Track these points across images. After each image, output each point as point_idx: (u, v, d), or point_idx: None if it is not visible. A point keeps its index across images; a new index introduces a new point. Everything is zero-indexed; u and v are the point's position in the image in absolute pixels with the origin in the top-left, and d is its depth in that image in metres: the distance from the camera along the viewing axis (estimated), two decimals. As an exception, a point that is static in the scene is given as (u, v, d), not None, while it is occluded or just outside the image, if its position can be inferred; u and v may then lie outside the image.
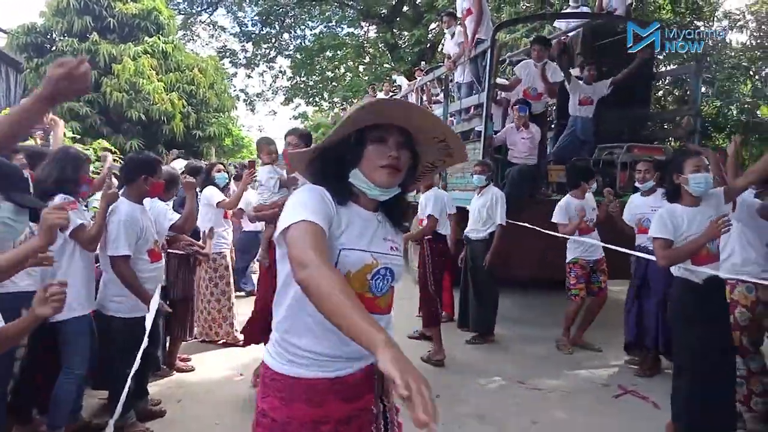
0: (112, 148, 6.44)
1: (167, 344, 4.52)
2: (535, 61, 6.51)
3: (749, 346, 3.55)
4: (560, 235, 5.02)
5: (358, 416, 1.46)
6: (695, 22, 13.34)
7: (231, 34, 26.02)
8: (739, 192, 3.29)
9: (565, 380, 4.54)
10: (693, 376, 3.11)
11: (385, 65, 22.21)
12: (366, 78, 21.51)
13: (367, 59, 24.30)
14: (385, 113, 1.39)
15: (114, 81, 13.28)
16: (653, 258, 3.42)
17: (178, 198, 4.52)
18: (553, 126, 8.28)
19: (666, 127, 9.79)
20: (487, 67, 6.40)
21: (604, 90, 7.07)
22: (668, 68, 11.98)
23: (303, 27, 25.02)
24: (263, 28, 24.57)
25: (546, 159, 6.96)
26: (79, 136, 9.06)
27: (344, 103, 24.64)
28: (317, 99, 26.13)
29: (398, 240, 1.55)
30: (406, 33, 20.84)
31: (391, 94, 12.03)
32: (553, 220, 5.06)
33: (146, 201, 3.49)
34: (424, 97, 9.21)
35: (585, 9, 7.96)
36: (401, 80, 13.01)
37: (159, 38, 14.49)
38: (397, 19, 20.98)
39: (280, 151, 4.16)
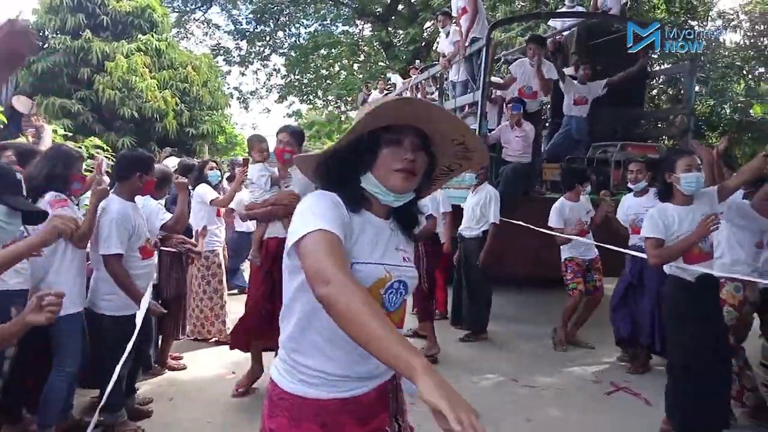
0: (104, 145, 6.40)
1: (159, 342, 4.50)
2: (531, 59, 6.51)
3: (735, 344, 3.57)
4: (555, 234, 5.03)
5: None
6: (689, 21, 13.40)
7: (225, 32, 25.94)
8: (732, 191, 3.30)
9: (558, 377, 4.54)
10: (685, 374, 3.12)
11: (379, 63, 22.20)
12: (361, 76, 21.52)
13: (362, 57, 24.29)
14: (401, 114, 1.29)
15: (107, 78, 13.20)
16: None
17: (170, 196, 4.49)
18: (547, 124, 8.29)
19: (660, 125, 9.84)
20: (482, 66, 6.39)
21: (598, 90, 7.08)
22: (662, 67, 12.01)
23: (297, 25, 24.97)
24: (257, 26, 24.50)
25: (540, 157, 6.97)
26: (71, 134, 9.01)
27: (338, 101, 24.67)
28: (311, 97, 26.11)
29: (410, 249, 1.46)
30: (401, 31, 20.84)
31: (385, 92, 12.03)
32: (549, 224, 5.07)
33: (138, 199, 3.47)
34: (419, 96, 9.18)
35: (580, 8, 7.98)
36: (396, 78, 13.00)
37: (152, 36, 14.41)
38: (392, 17, 20.96)
39: (271, 149, 4.12)
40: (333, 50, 23.49)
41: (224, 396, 3.92)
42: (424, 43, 19.15)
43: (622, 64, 7.18)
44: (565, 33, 7.95)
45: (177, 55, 15.22)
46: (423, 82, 9.33)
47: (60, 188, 3.05)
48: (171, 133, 14.09)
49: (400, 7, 20.67)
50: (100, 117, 13.56)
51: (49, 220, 2.00)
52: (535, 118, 6.80)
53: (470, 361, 4.92)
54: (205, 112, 15.62)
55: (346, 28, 24.36)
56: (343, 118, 26.44)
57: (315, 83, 25.16)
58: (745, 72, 14.02)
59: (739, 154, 11.48)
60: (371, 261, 1.31)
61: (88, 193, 3.77)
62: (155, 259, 3.70)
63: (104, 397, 2.11)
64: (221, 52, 25.29)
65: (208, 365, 4.65)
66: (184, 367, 4.57)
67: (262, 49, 25.36)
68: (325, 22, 24.10)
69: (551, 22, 8.72)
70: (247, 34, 24.69)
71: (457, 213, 5.59)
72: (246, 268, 6.93)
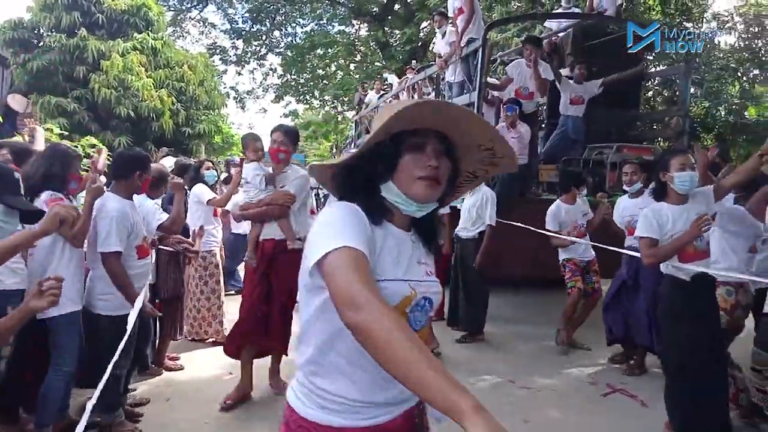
0: (100, 144, 6.37)
1: (156, 343, 4.49)
2: (527, 60, 6.52)
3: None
4: (552, 235, 5.06)
5: None
6: (684, 23, 13.46)
7: (221, 31, 25.93)
8: (729, 190, 3.32)
9: (555, 379, 4.55)
10: (681, 373, 3.13)
11: (376, 63, 22.21)
12: (357, 76, 21.52)
13: (359, 57, 24.29)
14: (425, 117, 1.21)
15: (102, 77, 13.16)
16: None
17: (166, 195, 4.48)
18: (543, 125, 8.32)
19: (655, 127, 9.88)
20: (479, 66, 6.41)
21: (594, 89, 7.11)
22: (658, 69, 12.07)
23: (294, 24, 24.99)
24: (254, 26, 24.49)
25: (537, 158, 6.99)
26: (66, 133, 8.97)
27: (335, 101, 24.67)
28: (308, 97, 26.11)
29: (431, 262, 1.37)
30: (397, 31, 20.85)
31: (382, 92, 12.04)
32: (547, 226, 5.10)
33: (135, 198, 3.46)
34: (415, 96, 9.19)
35: (576, 9, 8.00)
36: (392, 79, 13.00)
37: (148, 34, 14.38)
38: (389, 17, 20.97)
39: (266, 149, 4.08)
40: (329, 50, 23.48)
41: (221, 396, 3.91)
42: (420, 44, 19.17)
43: (617, 65, 7.21)
44: (560, 34, 7.97)
45: (173, 54, 15.20)
46: (419, 82, 9.34)
47: (57, 187, 3.05)
48: (167, 133, 14.06)
49: (396, 6, 20.69)
50: (95, 116, 13.52)
51: (51, 208, 2.01)
52: (532, 119, 6.82)
53: (467, 362, 4.93)
54: (201, 111, 15.60)
55: (342, 27, 24.39)
56: (339, 119, 26.44)
57: (311, 83, 25.16)
58: (739, 74, 14.10)
59: (734, 156, 11.53)
60: (396, 277, 1.22)
61: (84, 192, 3.78)
62: (151, 258, 3.69)
63: (96, 395, 2.10)
64: (217, 51, 25.28)
65: (206, 366, 4.64)
66: (181, 368, 4.56)
67: (258, 48, 25.34)
68: (321, 22, 24.10)
69: (547, 23, 8.73)
70: (244, 33, 24.67)
71: (455, 214, 5.60)
72: (242, 269, 6.92)
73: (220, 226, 5.46)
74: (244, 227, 6.22)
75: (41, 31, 14.08)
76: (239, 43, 25.16)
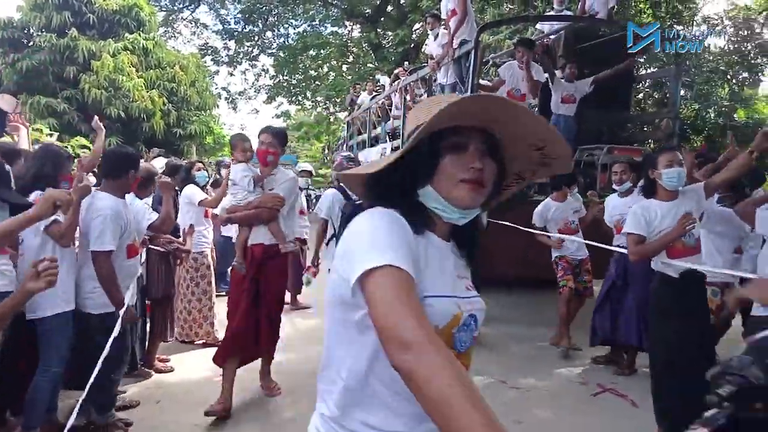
0: (90, 145, 6.33)
1: (146, 344, 4.46)
2: (519, 62, 6.54)
3: None
4: (539, 234, 5.09)
5: None
6: (675, 26, 13.56)
7: (213, 32, 25.86)
8: (719, 186, 3.34)
9: (547, 379, 4.56)
10: (670, 370, 3.13)
11: (368, 65, 22.22)
12: (349, 77, 21.52)
13: (351, 58, 24.30)
14: (470, 113, 1.07)
15: (93, 78, 13.11)
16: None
17: (156, 195, 4.46)
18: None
19: (646, 129, 9.92)
20: (471, 68, 6.41)
21: (585, 88, 7.13)
22: (649, 71, 12.15)
23: (286, 25, 24.97)
24: (246, 26, 24.43)
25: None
26: (56, 133, 8.90)
27: (327, 102, 24.66)
28: (300, 98, 26.09)
29: (469, 275, 1.23)
30: (390, 33, 20.88)
31: (374, 93, 12.02)
32: (533, 222, 5.13)
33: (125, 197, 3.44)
34: (408, 98, 9.20)
35: (568, 12, 8.03)
36: (385, 80, 13.00)
37: (140, 35, 14.33)
38: (381, 18, 21.00)
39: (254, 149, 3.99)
40: (322, 51, 23.47)
41: (212, 399, 3.88)
42: (413, 45, 19.20)
43: (608, 68, 7.23)
44: (552, 36, 8.00)
45: (164, 55, 15.15)
46: (412, 84, 9.34)
47: (47, 188, 3.02)
48: (158, 133, 14.02)
49: (389, 8, 20.72)
50: (86, 116, 13.43)
51: (46, 192, 1.99)
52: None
53: (459, 362, 4.92)
54: (192, 112, 15.56)
55: (335, 29, 24.40)
56: (331, 120, 26.44)
57: (304, 84, 25.14)
58: (729, 77, 14.23)
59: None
60: (443, 294, 1.09)
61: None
62: (140, 258, 3.67)
63: (84, 394, 2.09)
64: (209, 51, 25.22)
65: (196, 367, 4.61)
66: (171, 370, 4.53)
67: (250, 49, 25.29)
68: (314, 23, 24.11)
69: (538, 25, 8.76)
70: (236, 33, 24.61)
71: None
72: (233, 270, 6.89)
73: (211, 227, 5.44)
74: (233, 230, 6.17)
75: (31, 30, 14.00)
76: (231, 43, 25.13)
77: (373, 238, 1.01)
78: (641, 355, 4.57)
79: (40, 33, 13.60)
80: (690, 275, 3.10)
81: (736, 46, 14.21)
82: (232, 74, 26.64)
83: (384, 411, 1.06)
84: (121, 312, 2.95)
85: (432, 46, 7.98)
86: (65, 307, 3.01)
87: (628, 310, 4.52)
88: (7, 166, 2.18)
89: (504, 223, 5.43)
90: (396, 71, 11.35)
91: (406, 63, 13.82)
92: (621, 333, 4.62)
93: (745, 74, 14.89)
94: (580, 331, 5.33)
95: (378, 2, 20.90)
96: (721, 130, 12.55)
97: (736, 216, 3.68)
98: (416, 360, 0.85)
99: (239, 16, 24.00)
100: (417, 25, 18.89)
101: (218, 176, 6.70)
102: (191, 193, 5.09)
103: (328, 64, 24.91)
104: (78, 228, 3.14)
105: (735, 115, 13.50)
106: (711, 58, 13.88)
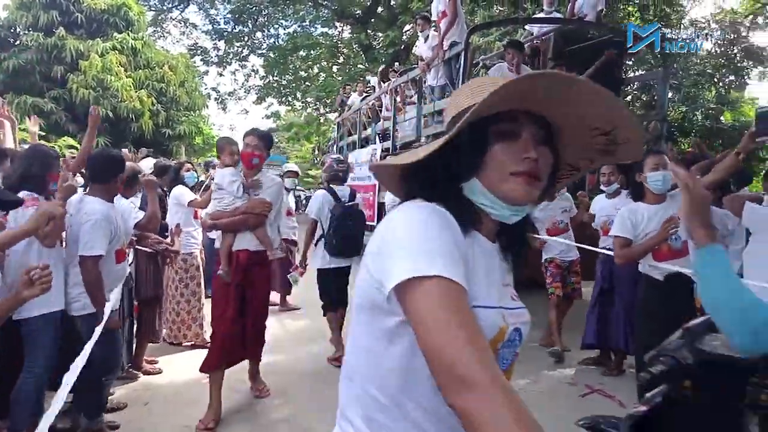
0: (78, 145, 6.28)
1: (134, 346, 4.43)
2: (509, 64, 6.57)
3: None
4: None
5: None
6: (662, 29, 13.69)
7: (203, 32, 25.78)
8: (707, 188, 3.36)
9: (536, 380, 4.58)
10: (658, 374, 3.16)
11: (359, 66, 22.23)
12: (340, 78, 21.51)
13: (341, 59, 24.31)
14: (525, 94, 0.92)
15: (81, 77, 13.01)
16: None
17: (144, 195, 4.43)
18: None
19: (634, 131, 9.99)
20: (461, 70, 6.44)
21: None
22: (636, 74, 12.25)
23: (276, 26, 24.94)
24: (236, 26, 24.37)
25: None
26: (43, 133, 8.82)
27: (317, 103, 24.65)
28: (290, 98, 26.07)
29: (512, 282, 1.09)
30: (380, 34, 20.90)
31: (364, 94, 12.03)
32: None
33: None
34: (398, 99, 9.22)
35: (557, 14, 8.07)
36: (374, 81, 13.01)
37: (128, 34, 14.25)
38: (372, 20, 21.02)
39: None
40: (312, 52, 23.47)
41: (200, 400, 3.86)
42: (403, 46, 19.23)
43: (597, 70, 7.28)
44: (541, 38, 8.05)
45: (153, 55, 15.08)
46: (402, 85, 9.36)
47: (34, 188, 2.99)
48: (147, 134, 13.94)
49: (379, 9, 20.74)
50: (73, 116, 13.34)
51: (40, 206, 1.99)
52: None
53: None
54: (181, 112, 15.49)
55: (325, 29, 24.41)
56: (322, 120, 26.41)
57: (294, 85, 25.12)
58: (716, 79, 14.39)
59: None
60: (491, 304, 0.95)
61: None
62: (127, 261, 3.64)
63: (64, 394, 2.07)
64: (199, 51, 25.14)
65: (185, 369, 4.58)
66: (159, 371, 4.50)
67: (240, 49, 25.23)
68: (304, 24, 24.10)
69: (528, 27, 8.81)
70: (225, 34, 24.54)
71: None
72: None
73: (200, 228, 5.40)
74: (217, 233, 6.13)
75: (18, 29, 13.87)
76: (221, 43, 25.07)
77: (419, 238, 0.85)
78: (629, 356, 4.61)
79: (26, 32, 13.47)
80: (676, 278, 3.13)
81: (722, 49, 14.37)
82: (221, 74, 26.61)
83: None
84: (105, 316, 2.91)
85: (422, 48, 8.01)
86: (51, 307, 2.97)
87: (616, 314, 4.55)
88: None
89: None
90: (379, 69, 11.35)
91: (397, 64, 13.85)
92: (610, 337, 4.63)
93: (732, 77, 15.05)
94: (569, 332, 5.36)
95: (368, 3, 20.92)
96: (708, 133, 12.68)
97: (717, 212, 3.72)
98: (480, 402, 0.73)
99: (229, 16, 23.95)
100: (407, 27, 18.93)
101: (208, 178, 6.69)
102: (180, 193, 5.06)
103: (318, 65, 24.92)
104: (65, 231, 3.11)
105: (722, 118, 13.64)
106: (698, 61, 14.02)
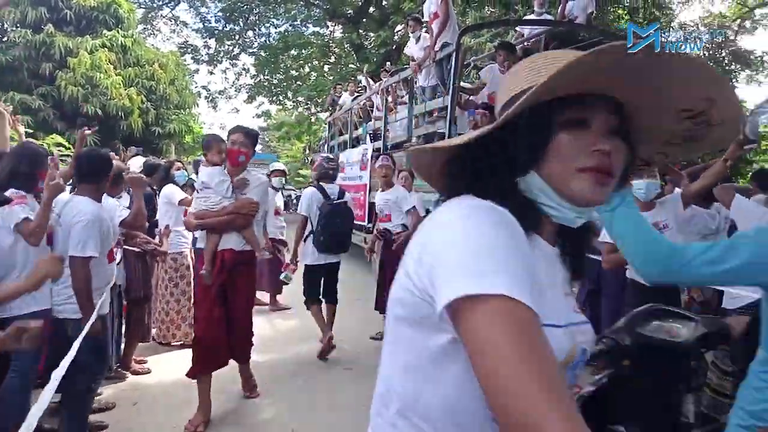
0: (66, 143, 6.24)
1: (122, 346, 4.40)
2: (500, 66, 6.60)
3: None
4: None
5: None
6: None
7: (193, 30, 25.80)
8: (695, 195, 3.41)
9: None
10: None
11: (350, 65, 22.22)
12: (331, 78, 21.50)
13: (333, 59, 24.30)
14: (600, 73, 0.75)
15: (69, 75, 12.91)
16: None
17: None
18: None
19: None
20: (452, 71, 6.45)
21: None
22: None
23: (268, 25, 24.88)
24: (227, 25, 24.28)
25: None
26: (31, 131, 8.74)
27: (308, 102, 24.61)
28: (281, 98, 26.02)
29: (573, 291, 0.94)
30: (371, 34, 20.91)
31: (356, 94, 12.02)
32: None
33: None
34: (389, 99, 9.23)
35: (548, 16, 8.12)
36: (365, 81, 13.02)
37: (118, 32, 14.15)
38: (363, 19, 21.02)
39: None
40: (303, 51, 23.44)
41: (189, 400, 3.85)
42: (394, 46, 19.25)
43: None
44: (532, 40, 8.09)
45: (143, 52, 14.99)
46: (393, 85, 9.37)
47: (22, 186, 2.97)
48: (136, 132, 13.85)
49: (371, 9, 20.75)
50: (62, 114, 13.24)
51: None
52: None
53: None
54: (171, 110, 15.41)
55: (316, 29, 24.41)
56: (313, 120, 26.38)
57: (285, 84, 25.08)
58: (704, 82, 14.52)
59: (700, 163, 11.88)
60: (560, 322, 0.81)
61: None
62: (116, 262, 3.62)
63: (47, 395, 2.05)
64: (189, 50, 25.02)
65: (173, 369, 4.56)
66: (148, 371, 4.48)
67: (231, 48, 25.14)
68: (295, 23, 24.06)
69: (519, 29, 8.85)
70: (216, 32, 24.44)
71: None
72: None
73: (190, 227, 5.39)
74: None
75: (5, 26, 13.73)
76: (212, 42, 24.96)
77: (479, 246, 0.69)
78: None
79: (14, 29, 13.34)
80: (662, 284, 3.16)
81: (710, 52, 14.52)
82: (212, 73, 26.61)
83: None
84: (90, 321, 2.88)
85: (413, 49, 8.02)
86: (38, 306, 2.94)
87: (605, 320, 4.58)
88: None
89: None
90: (364, 69, 11.31)
91: (388, 64, 13.86)
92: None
93: (720, 80, 15.21)
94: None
95: (360, 3, 20.92)
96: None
97: (702, 213, 3.77)
98: None
99: (220, 14, 23.86)
100: (399, 27, 18.96)
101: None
102: (170, 192, 5.03)
103: (309, 64, 24.89)
104: (53, 231, 3.08)
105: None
106: (687, 64, 14.18)
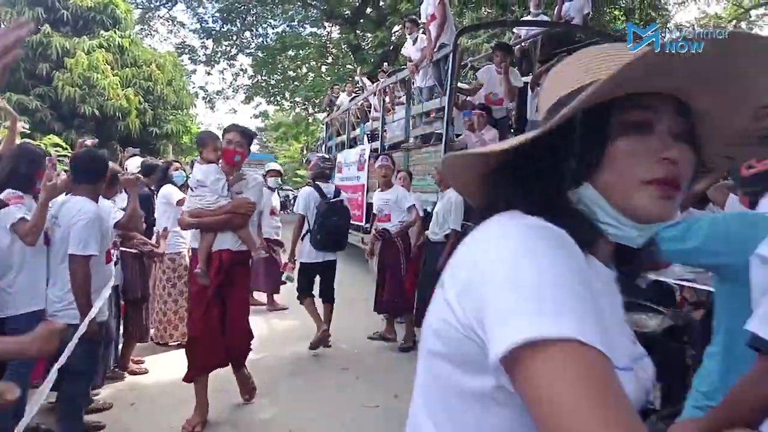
0: (63, 143, 6.24)
1: (120, 346, 4.41)
2: (497, 66, 6.62)
3: None
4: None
5: None
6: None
7: (190, 30, 25.75)
8: (695, 198, 3.42)
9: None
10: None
11: (347, 66, 22.23)
12: (328, 78, 21.51)
13: (330, 59, 24.30)
14: (668, 69, 0.65)
15: (66, 75, 12.89)
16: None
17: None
18: (512, 130, 8.44)
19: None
20: (449, 71, 6.47)
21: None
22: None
23: (265, 25, 24.87)
24: (224, 25, 24.28)
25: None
26: (28, 131, 8.73)
27: (306, 103, 24.62)
28: (278, 98, 26.04)
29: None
30: (369, 35, 20.94)
31: (353, 95, 12.03)
32: None
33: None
34: (387, 100, 9.24)
35: (544, 17, 8.15)
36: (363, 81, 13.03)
37: (115, 32, 14.14)
38: (361, 20, 21.04)
39: None
40: (301, 51, 23.46)
41: (187, 401, 3.86)
42: (392, 47, 19.28)
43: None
44: (529, 40, 8.12)
45: (140, 53, 14.97)
46: (391, 85, 9.39)
47: (20, 186, 2.97)
48: (134, 132, 13.84)
49: (368, 10, 20.77)
50: (59, 114, 13.22)
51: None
52: (502, 124, 6.91)
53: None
54: (169, 111, 15.40)
55: (314, 29, 24.43)
56: (310, 120, 26.39)
57: (282, 84, 25.09)
58: (700, 83, 14.58)
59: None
60: (628, 364, 0.70)
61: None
62: (113, 262, 3.62)
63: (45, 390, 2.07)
64: (186, 50, 25.01)
65: (171, 369, 4.56)
66: (145, 372, 4.48)
67: (228, 48, 25.14)
68: (293, 23, 24.07)
69: (516, 30, 8.88)
70: (214, 33, 24.44)
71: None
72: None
73: (188, 228, 5.39)
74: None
75: (1, 26, 13.70)
76: (209, 42, 24.96)
77: (538, 277, 0.57)
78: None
79: (11, 29, 13.32)
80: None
81: (706, 53, 14.60)
82: (209, 73, 26.50)
83: None
84: (85, 322, 2.87)
85: (411, 50, 8.05)
86: (34, 306, 2.95)
87: None
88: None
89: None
90: (359, 70, 11.29)
91: (386, 64, 13.88)
92: None
93: (716, 81, 15.28)
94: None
95: (357, 4, 20.93)
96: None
97: (697, 215, 3.79)
98: None
99: (217, 15, 23.86)
100: (396, 28, 18.98)
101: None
102: (168, 193, 5.03)
103: (306, 65, 24.92)
104: (50, 232, 3.08)
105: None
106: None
